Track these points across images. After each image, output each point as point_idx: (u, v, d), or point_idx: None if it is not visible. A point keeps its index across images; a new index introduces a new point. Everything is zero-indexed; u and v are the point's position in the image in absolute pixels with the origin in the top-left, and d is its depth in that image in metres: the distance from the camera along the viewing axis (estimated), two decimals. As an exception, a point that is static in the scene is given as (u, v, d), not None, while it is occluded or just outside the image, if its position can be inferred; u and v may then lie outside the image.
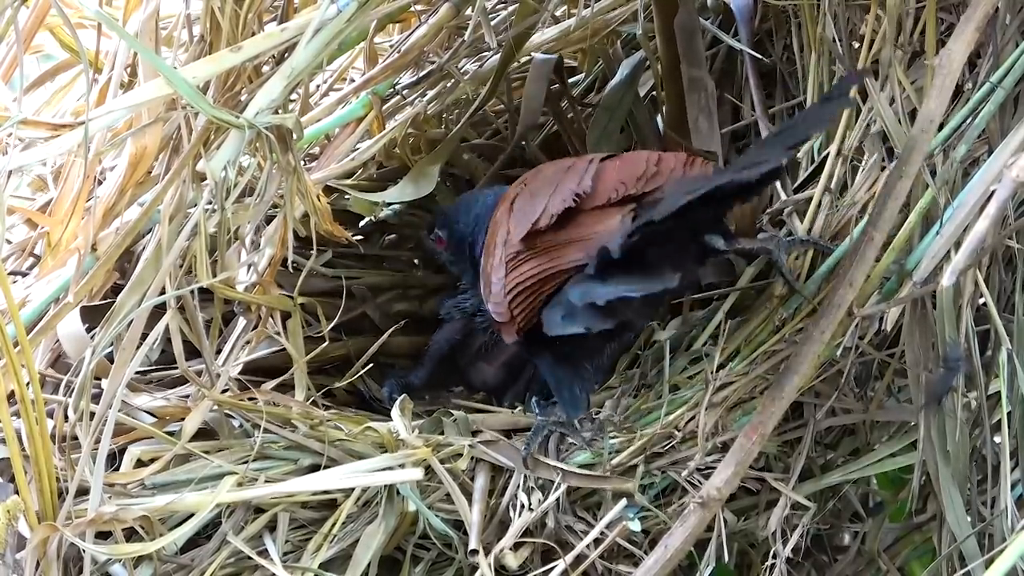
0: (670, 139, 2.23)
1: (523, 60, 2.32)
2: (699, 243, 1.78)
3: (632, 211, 1.74)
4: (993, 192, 1.52)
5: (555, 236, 1.76)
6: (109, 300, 1.78)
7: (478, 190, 2.19)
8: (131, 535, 1.69)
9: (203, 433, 1.82)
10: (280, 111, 1.75)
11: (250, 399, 1.85)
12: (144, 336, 1.74)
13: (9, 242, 2.00)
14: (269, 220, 1.92)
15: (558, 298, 1.72)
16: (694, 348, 1.93)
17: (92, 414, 1.69)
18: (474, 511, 1.77)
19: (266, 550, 1.74)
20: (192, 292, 1.78)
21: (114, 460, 1.77)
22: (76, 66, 2.16)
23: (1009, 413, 1.83)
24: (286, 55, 1.76)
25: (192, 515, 1.70)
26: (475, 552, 1.75)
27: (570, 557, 1.75)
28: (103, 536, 1.70)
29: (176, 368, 1.80)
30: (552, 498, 1.78)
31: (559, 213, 1.76)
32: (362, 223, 2.32)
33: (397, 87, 2.26)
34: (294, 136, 1.75)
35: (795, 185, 2.05)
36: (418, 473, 1.74)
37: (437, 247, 2.15)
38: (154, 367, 1.95)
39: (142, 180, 1.82)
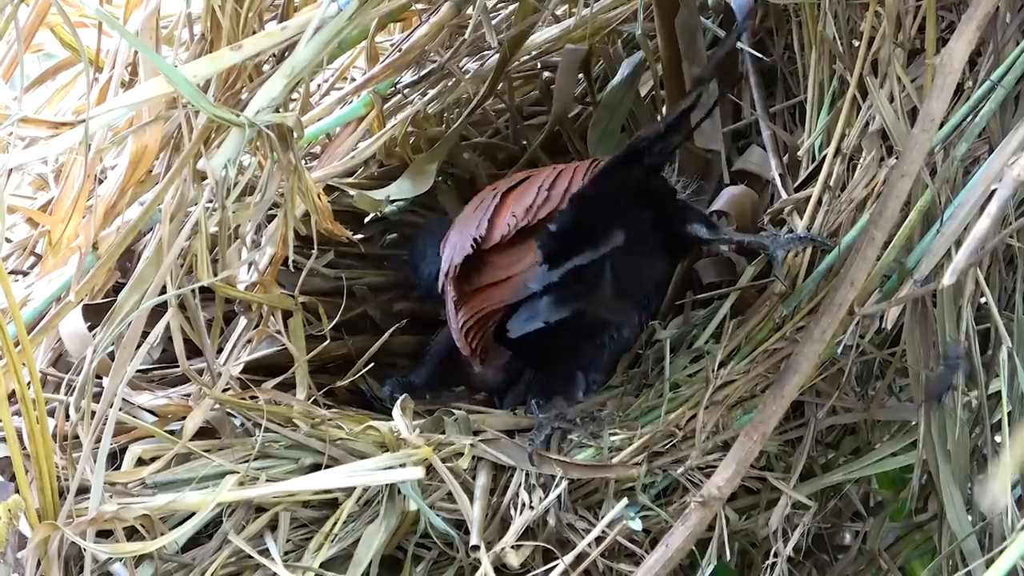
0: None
1: (524, 59, 2.32)
2: (679, 234, 1.78)
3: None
4: (994, 191, 1.52)
5: (476, 280, 1.79)
6: (111, 299, 1.78)
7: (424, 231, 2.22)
8: (132, 534, 1.69)
9: (204, 432, 1.82)
10: (281, 110, 1.75)
11: (251, 398, 1.85)
12: (145, 335, 1.74)
13: (10, 241, 1.99)
14: (270, 219, 1.92)
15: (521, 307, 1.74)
16: (695, 347, 1.93)
17: (93, 413, 1.69)
18: (475, 508, 1.77)
19: (267, 549, 1.74)
20: (193, 291, 1.78)
21: (115, 459, 1.77)
22: (76, 65, 2.16)
23: (1010, 412, 1.83)
24: (287, 54, 1.75)
25: (193, 514, 1.70)
26: (476, 547, 1.75)
27: (571, 556, 1.75)
28: (104, 535, 1.70)
29: (177, 366, 1.80)
30: (554, 495, 1.78)
31: (460, 264, 1.79)
32: (366, 220, 2.33)
33: (398, 86, 2.26)
34: (295, 135, 1.75)
35: (796, 184, 2.05)
36: (419, 472, 1.74)
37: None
38: (155, 365, 1.95)
39: (143, 179, 1.82)
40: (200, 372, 1.84)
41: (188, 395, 1.86)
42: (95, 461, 1.66)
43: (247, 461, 1.78)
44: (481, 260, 1.80)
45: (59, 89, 2.19)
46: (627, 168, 1.71)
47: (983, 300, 1.80)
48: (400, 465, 1.76)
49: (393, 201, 2.23)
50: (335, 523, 1.76)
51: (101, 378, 1.76)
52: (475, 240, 1.79)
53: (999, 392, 1.82)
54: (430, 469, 1.77)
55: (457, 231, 1.89)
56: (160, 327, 1.76)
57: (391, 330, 2.12)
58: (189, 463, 1.78)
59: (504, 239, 1.78)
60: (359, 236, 2.28)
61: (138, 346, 1.73)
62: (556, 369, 1.87)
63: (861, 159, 1.91)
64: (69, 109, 2.14)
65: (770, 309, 1.87)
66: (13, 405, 1.65)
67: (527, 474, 1.81)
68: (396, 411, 1.85)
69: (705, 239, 1.83)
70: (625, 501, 1.79)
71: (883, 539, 2.13)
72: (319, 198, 1.89)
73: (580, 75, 2.33)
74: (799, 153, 2.06)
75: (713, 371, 1.83)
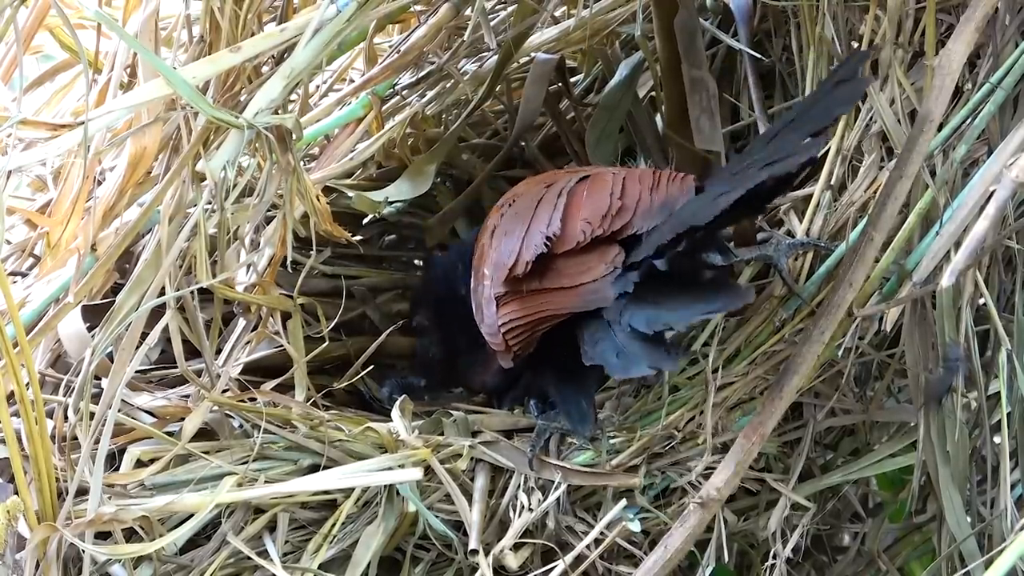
0: (670, 139, 2.23)
1: (523, 60, 2.32)
2: (697, 261, 1.75)
3: (619, 256, 1.67)
4: (993, 192, 1.52)
5: (539, 283, 1.71)
6: (110, 300, 1.78)
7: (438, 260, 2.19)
8: (131, 535, 1.69)
9: (203, 433, 1.82)
10: (280, 111, 1.75)
11: (250, 399, 1.85)
12: (144, 336, 1.74)
13: (9, 242, 1.99)
14: (269, 220, 1.92)
15: (596, 333, 1.63)
16: (693, 348, 1.92)
17: (92, 414, 1.69)
18: (474, 511, 1.78)
19: (266, 550, 1.74)
20: (192, 292, 1.78)
21: (114, 460, 1.77)
22: (76, 66, 2.17)
23: (1009, 413, 1.83)
24: (286, 55, 1.76)
25: (192, 515, 1.70)
26: (475, 552, 1.75)
27: (570, 557, 1.75)
28: (103, 536, 1.70)
29: (176, 367, 1.80)
30: (552, 498, 1.78)
31: (533, 261, 1.71)
32: (365, 221, 2.33)
33: (397, 87, 2.26)
34: (293, 136, 1.75)
35: (793, 185, 2.04)
36: (418, 473, 1.74)
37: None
38: (154, 366, 1.95)
39: (142, 180, 1.82)
40: (199, 373, 1.84)
41: (187, 396, 1.86)
42: (94, 462, 1.66)
43: (246, 462, 1.78)
44: (545, 262, 1.71)
45: (58, 91, 2.19)
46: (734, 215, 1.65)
47: (982, 301, 1.80)
48: (399, 466, 1.76)
49: (392, 202, 2.23)
50: (334, 524, 1.76)
51: (100, 379, 1.76)
52: (548, 239, 1.71)
53: (998, 393, 1.82)
54: (429, 470, 1.78)
55: (515, 225, 1.79)
56: (159, 328, 1.76)
57: (388, 331, 2.13)
58: (188, 464, 1.78)
59: (579, 246, 1.70)
60: (358, 237, 2.28)
61: (137, 347, 1.73)
62: (568, 394, 1.83)
63: (862, 162, 1.91)
64: (68, 111, 2.14)
65: (770, 312, 1.87)
66: (12, 406, 1.65)
67: (525, 476, 1.81)
68: (395, 412, 1.85)
69: (717, 266, 1.79)
70: (624, 503, 1.79)
71: (882, 540, 2.14)
72: (318, 199, 1.89)
73: (559, 83, 2.32)
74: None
75: (711, 373, 1.83)
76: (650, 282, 1.60)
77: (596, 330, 1.64)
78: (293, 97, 2.11)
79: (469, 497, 1.79)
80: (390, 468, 1.76)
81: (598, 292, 1.64)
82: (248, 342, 1.93)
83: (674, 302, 1.60)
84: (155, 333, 1.76)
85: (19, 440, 1.66)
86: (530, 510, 1.78)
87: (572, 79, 2.38)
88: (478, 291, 1.84)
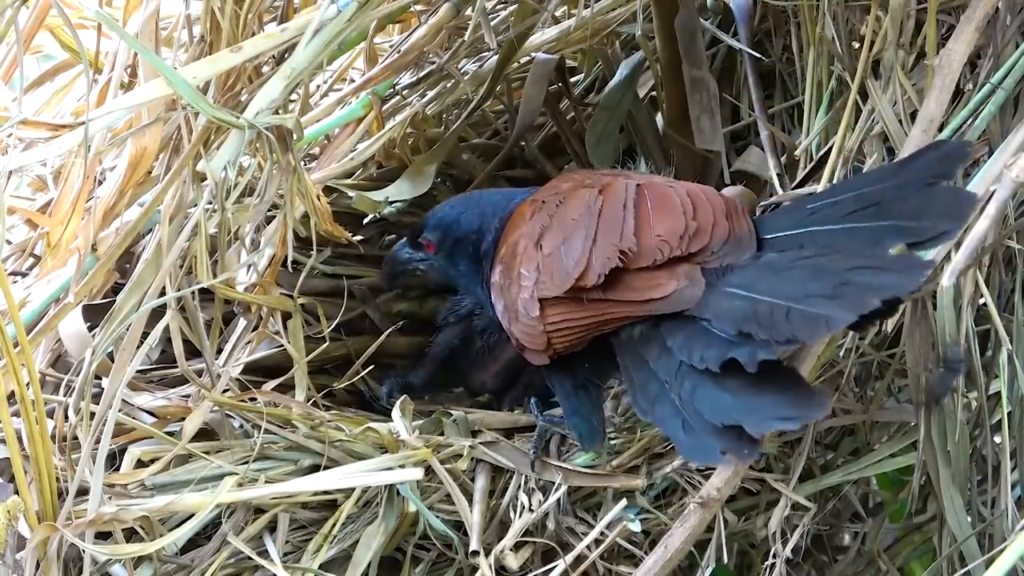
0: (670, 139, 2.23)
1: (523, 60, 2.32)
2: None
3: (698, 265, 1.64)
4: (993, 192, 1.52)
5: (602, 293, 1.68)
6: (110, 300, 1.78)
7: (479, 191, 2.15)
8: (131, 535, 1.70)
9: (203, 433, 1.82)
10: (280, 111, 1.75)
11: (251, 399, 1.85)
12: (145, 336, 1.74)
13: (9, 242, 2.00)
14: (269, 220, 1.92)
15: (648, 386, 1.59)
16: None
17: (92, 414, 1.69)
18: (475, 512, 1.78)
19: (266, 550, 1.74)
20: (192, 292, 1.78)
21: (114, 460, 1.77)
22: (76, 66, 2.17)
23: (1009, 413, 1.84)
24: (286, 55, 1.76)
25: (192, 515, 1.70)
26: (476, 553, 1.75)
27: (570, 557, 1.75)
28: (103, 536, 1.70)
29: (176, 367, 1.80)
30: (553, 499, 1.79)
31: (606, 274, 1.67)
32: (365, 221, 2.33)
33: (397, 87, 2.26)
34: (294, 136, 1.75)
35: (794, 184, 2.04)
36: (418, 473, 1.74)
37: (424, 252, 2.02)
38: (154, 366, 1.96)
39: (142, 180, 1.82)
40: (199, 373, 1.84)
41: (187, 396, 1.87)
42: (94, 462, 1.66)
43: (246, 462, 1.78)
44: (612, 274, 1.68)
45: (58, 91, 2.19)
46: None
47: (982, 302, 1.80)
48: (399, 466, 1.76)
49: (392, 202, 2.23)
50: (334, 524, 1.76)
51: (100, 379, 1.76)
52: (622, 253, 1.67)
53: (999, 393, 1.82)
54: (429, 470, 1.78)
55: (575, 232, 1.74)
56: (159, 328, 1.76)
57: (388, 331, 2.13)
58: (188, 464, 1.78)
59: (655, 263, 1.66)
60: (358, 237, 2.28)
61: (137, 347, 1.73)
62: (580, 408, 1.80)
63: (865, 162, 1.91)
64: (68, 111, 2.14)
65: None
66: (12, 406, 1.65)
67: (526, 476, 1.81)
68: (395, 412, 1.85)
69: None
70: (624, 503, 1.79)
71: (882, 540, 2.14)
72: (318, 199, 1.89)
73: (559, 83, 2.32)
74: (796, 153, 2.05)
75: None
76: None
77: (648, 382, 1.60)
78: (293, 97, 2.11)
79: (469, 497, 1.80)
80: (390, 468, 1.76)
81: (683, 296, 1.61)
82: (248, 342, 1.93)
83: (744, 395, 1.51)
84: (155, 333, 1.76)
85: (19, 440, 1.66)
86: (531, 510, 1.78)
87: (572, 79, 2.38)
88: (510, 290, 1.80)
